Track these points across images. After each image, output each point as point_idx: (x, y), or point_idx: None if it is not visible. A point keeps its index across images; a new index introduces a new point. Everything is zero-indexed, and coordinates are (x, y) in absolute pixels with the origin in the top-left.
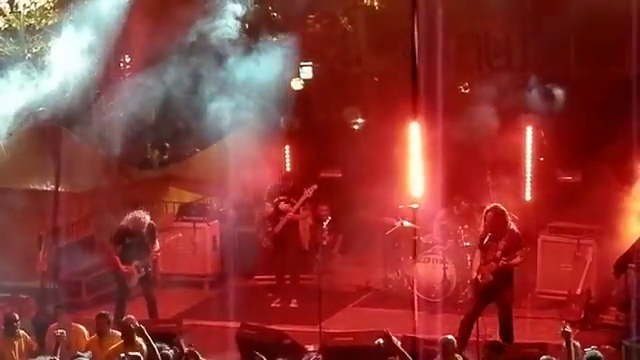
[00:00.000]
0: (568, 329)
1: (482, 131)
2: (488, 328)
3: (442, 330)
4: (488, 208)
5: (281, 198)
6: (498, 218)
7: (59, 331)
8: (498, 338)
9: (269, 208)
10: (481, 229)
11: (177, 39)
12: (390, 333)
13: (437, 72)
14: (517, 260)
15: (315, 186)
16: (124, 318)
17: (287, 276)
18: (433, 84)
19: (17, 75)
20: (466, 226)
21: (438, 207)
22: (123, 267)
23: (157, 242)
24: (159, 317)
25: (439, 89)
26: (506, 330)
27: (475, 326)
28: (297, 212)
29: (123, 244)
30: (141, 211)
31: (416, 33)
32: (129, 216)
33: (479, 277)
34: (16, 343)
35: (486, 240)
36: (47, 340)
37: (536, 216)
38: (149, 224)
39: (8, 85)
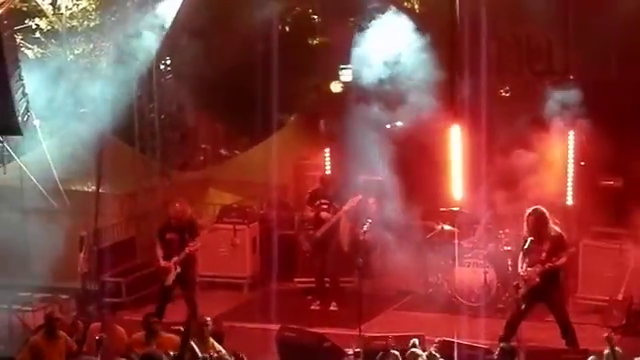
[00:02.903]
0: (612, 335)
1: (523, 135)
2: (527, 332)
3: (482, 335)
4: (529, 212)
5: (322, 202)
6: (540, 221)
7: (98, 335)
8: (549, 342)
9: (310, 212)
10: (524, 233)
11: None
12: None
13: (477, 75)
14: (562, 261)
15: (360, 196)
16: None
17: (327, 279)
18: (474, 87)
19: (59, 76)
20: (507, 230)
21: (479, 211)
22: (162, 263)
23: (197, 240)
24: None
25: (480, 92)
26: (567, 332)
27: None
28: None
29: (164, 240)
30: (183, 202)
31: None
32: (171, 208)
33: (525, 280)
34: (57, 343)
35: (528, 243)
36: (88, 340)
37: (578, 221)
38: (190, 216)
39: (51, 86)
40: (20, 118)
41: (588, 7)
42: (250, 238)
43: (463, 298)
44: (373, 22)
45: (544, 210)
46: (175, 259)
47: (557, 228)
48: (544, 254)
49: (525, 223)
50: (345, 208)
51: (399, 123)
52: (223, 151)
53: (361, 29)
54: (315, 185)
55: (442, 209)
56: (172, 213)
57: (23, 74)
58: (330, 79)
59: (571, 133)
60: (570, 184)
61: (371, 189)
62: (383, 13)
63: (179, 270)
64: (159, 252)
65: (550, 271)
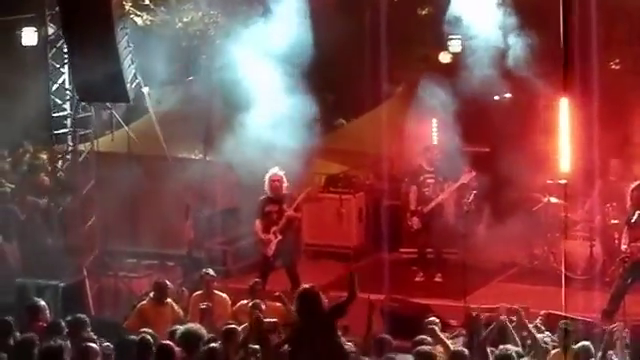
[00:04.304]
0: None
1: (633, 107)
2: (634, 307)
3: (588, 308)
4: (634, 186)
5: (427, 176)
6: None
7: (203, 304)
8: None
9: (415, 190)
10: (628, 207)
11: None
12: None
13: (588, 47)
14: None
15: (473, 173)
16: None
17: (430, 250)
18: (584, 59)
19: (167, 44)
20: (614, 204)
21: (587, 184)
22: (262, 235)
23: (295, 210)
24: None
25: (590, 64)
26: None
27: (622, 305)
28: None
29: (263, 213)
30: (278, 174)
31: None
32: (267, 181)
33: (628, 254)
34: (164, 310)
35: (635, 218)
36: (191, 309)
37: None
38: (287, 187)
39: (159, 54)
40: (128, 85)
41: None
42: (356, 208)
43: (569, 271)
44: None
45: None
46: (274, 228)
47: None
48: None
49: (629, 197)
50: (457, 184)
51: (507, 95)
52: (330, 121)
53: None
54: (420, 158)
55: (549, 181)
56: (268, 185)
57: (132, 41)
58: (439, 49)
59: None
60: None
61: (477, 161)
62: None
63: (280, 238)
64: (258, 225)
65: None
